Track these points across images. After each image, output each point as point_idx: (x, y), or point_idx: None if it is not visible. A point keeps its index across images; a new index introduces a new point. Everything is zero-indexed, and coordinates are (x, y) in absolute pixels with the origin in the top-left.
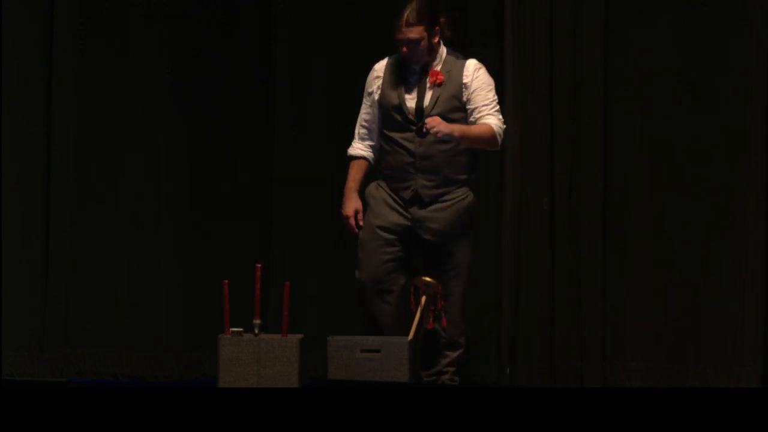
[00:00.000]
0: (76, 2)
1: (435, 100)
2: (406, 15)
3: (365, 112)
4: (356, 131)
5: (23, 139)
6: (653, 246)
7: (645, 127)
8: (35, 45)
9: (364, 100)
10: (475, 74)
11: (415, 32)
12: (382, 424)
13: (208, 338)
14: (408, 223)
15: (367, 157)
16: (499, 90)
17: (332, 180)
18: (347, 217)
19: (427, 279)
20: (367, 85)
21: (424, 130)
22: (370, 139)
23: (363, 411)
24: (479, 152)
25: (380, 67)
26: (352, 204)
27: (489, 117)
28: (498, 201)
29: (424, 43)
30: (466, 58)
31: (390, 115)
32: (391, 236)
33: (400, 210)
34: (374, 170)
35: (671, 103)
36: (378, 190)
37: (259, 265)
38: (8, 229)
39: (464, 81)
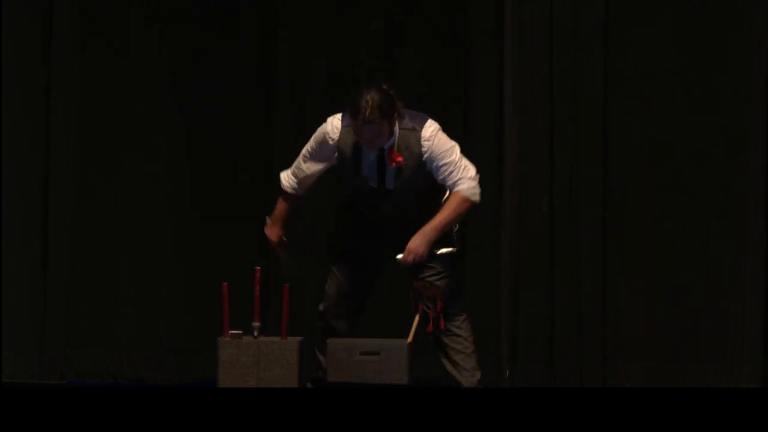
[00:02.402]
0: (75, 2)
1: (399, 180)
2: (366, 114)
3: (307, 166)
4: (293, 167)
5: (23, 140)
6: (653, 246)
7: (645, 128)
8: (35, 45)
9: (311, 152)
10: (431, 148)
11: (376, 128)
12: (382, 424)
13: (208, 340)
14: (379, 246)
15: (293, 194)
16: (499, 90)
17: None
18: (272, 242)
19: (427, 282)
20: (316, 141)
21: (401, 266)
22: (301, 185)
23: (363, 411)
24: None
25: (334, 132)
26: (273, 231)
27: (458, 184)
28: (497, 201)
29: (386, 134)
30: (416, 125)
31: (351, 179)
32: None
33: (372, 233)
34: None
35: (671, 103)
36: (346, 218)
37: (259, 267)
38: (8, 229)
39: (423, 158)
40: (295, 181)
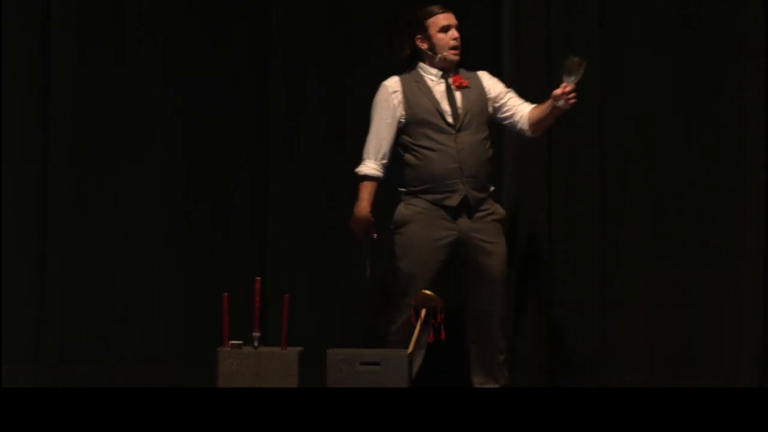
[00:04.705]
0: (72, 11)
1: (467, 101)
2: (440, 6)
3: (384, 131)
4: (369, 150)
5: (19, 149)
6: (650, 258)
7: (640, 142)
8: (32, 53)
9: (379, 119)
10: (492, 79)
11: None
12: (383, 425)
13: (208, 351)
14: (454, 234)
15: (380, 177)
16: None
17: (329, 193)
18: (363, 237)
19: (428, 292)
20: (381, 104)
21: (564, 99)
22: (386, 158)
23: (364, 413)
24: None
25: (393, 84)
26: (366, 224)
27: (526, 104)
28: None
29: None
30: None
31: (424, 125)
32: (441, 255)
33: (445, 224)
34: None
35: (667, 114)
36: (410, 209)
37: (259, 278)
38: (4, 242)
39: (485, 86)
40: (378, 161)
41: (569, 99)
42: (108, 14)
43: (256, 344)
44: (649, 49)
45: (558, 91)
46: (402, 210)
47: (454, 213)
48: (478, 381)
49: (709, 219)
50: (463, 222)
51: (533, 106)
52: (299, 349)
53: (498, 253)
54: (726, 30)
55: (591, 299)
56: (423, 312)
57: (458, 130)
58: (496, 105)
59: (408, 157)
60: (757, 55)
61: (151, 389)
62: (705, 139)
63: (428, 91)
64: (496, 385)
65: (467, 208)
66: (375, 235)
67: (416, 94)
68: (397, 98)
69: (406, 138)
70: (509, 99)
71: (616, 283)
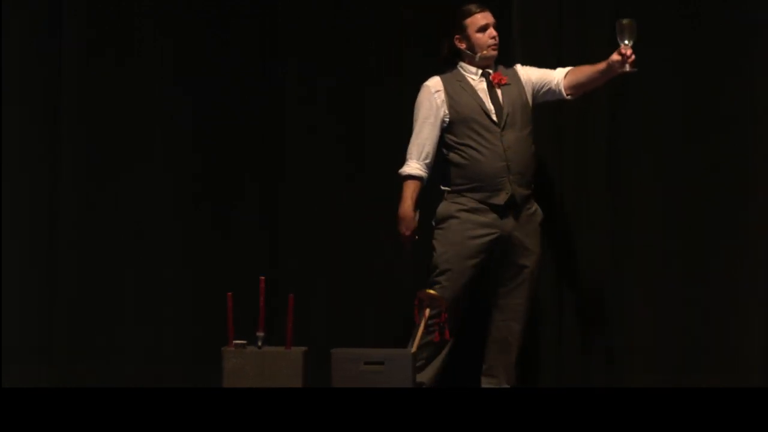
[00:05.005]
0: (83, 12)
1: (509, 98)
2: (477, 6)
3: (427, 131)
4: (413, 151)
5: (31, 150)
6: (659, 259)
7: (651, 140)
8: (40, 55)
9: (422, 119)
10: (524, 68)
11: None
12: (387, 425)
13: (213, 350)
14: (496, 233)
15: (425, 177)
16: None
17: (338, 194)
18: (407, 237)
19: (432, 292)
20: (424, 105)
21: (629, 64)
22: (429, 158)
23: (369, 413)
24: None
25: (435, 84)
26: (412, 224)
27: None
28: None
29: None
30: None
31: (470, 124)
32: (481, 257)
33: (490, 221)
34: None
35: (677, 117)
36: (455, 206)
37: (263, 277)
38: (15, 241)
39: (523, 78)
40: (422, 161)
41: (630, 61)
42: (116, 15)
43: (260, 344)
44: (659, 45)
45: (616, 57)
46: (446, 206)
47: (500, 211)
48: (490, 381)
49: (717, 218)
50: (509, 221)
51: (569, 69)
52: (304, 348)
53: (536, 254)
54: (736, 24)
55: (598, 299)
56: (427, 311)
57: (503, 128)
58: (535, 90)
59: (453, 156)
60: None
61: (156, 389)
62: (712, 139)
63: (471, 90)
64: (507, 386)
65: (514, 206)
66: (416, 237)
67: (459, 93)
68: (440, 98)
69: (451, 137)
70: (542, 75)
71: (623, 283)
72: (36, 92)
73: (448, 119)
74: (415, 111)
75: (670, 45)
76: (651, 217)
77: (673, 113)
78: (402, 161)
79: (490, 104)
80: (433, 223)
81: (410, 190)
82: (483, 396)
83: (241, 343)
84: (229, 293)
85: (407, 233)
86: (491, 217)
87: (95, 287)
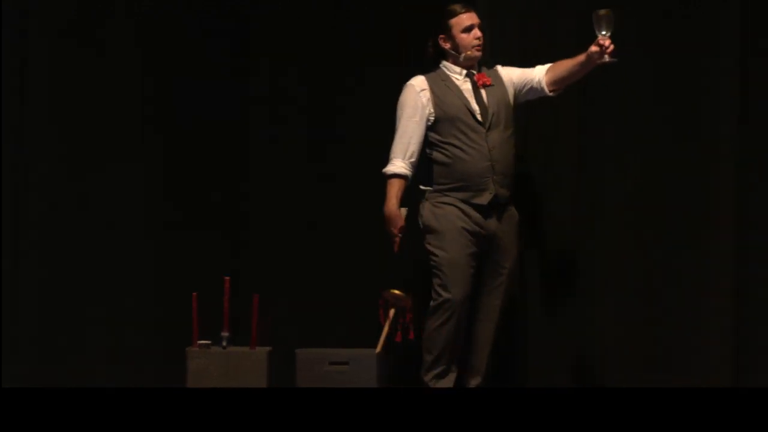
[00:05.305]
0: (52, 5)
1: (493, 99)
2: (462, 6)
3: (412, 129)
4: (397, 149)
5: None
6: (627, 259)
7: (619, 142)
8: (7, 51)
9: (407, 118)
10: (505, 69)
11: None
12: (352, 425)
13: (178, 350)
14: (482, 232)
15: (409, 176)
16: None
17: (305, 195)
18: (396, 236)
19: (397, 292)
20: (408, 103)
21: (608, 54)
22: (414, 157)
23: (333, 413)
24: None
25: (420, 82)
26: (399, 222)
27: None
28: None
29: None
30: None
31: (455, 123)
32: (474, 249)
33: (474, 220)
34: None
35: (645, 120)
36: (442, 208)
37: (228, 278)
38: None
39: (504, 79)
40: (407, 160)
41: (609, 52)
42: (83, 12)
43: (224, 344)
44: (630, 41)
45: (595, 48)
46: (430, 208)
47: (484, 211)
48: (468, 376)
49: (682, 218)
50: (492, 221)
51: (548, 65)
52: (268, 348)
53: (515, 255)
54: (704, 21)
55: (570, 300)
56: (392, 312)
57: (488, 129)
58: (517, 90)
59: (437, 154)
60: (732, 49)
61: (120, 389)
62: (682, 140)
63: (457, 90)
64: (480, 378)
65: (497, 206)
66: (401, 235)
67: (445, 93)
68: (426, 96)
69: (435, 136)
70: (523, 74)
71: (589, 283)
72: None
73: (433, 118)
74: (399, 110)
75: (643, 37)
76: (617, 219)
77: (639, 120)
78: (367, 161)
79: (476, 104)
80: (422, 228)
81: (395, 189)
82: (449, 395)
83: (206, 344)
84: (194, 293)
85: (395, 231)
86: (475, 216)
87: (59, 287)
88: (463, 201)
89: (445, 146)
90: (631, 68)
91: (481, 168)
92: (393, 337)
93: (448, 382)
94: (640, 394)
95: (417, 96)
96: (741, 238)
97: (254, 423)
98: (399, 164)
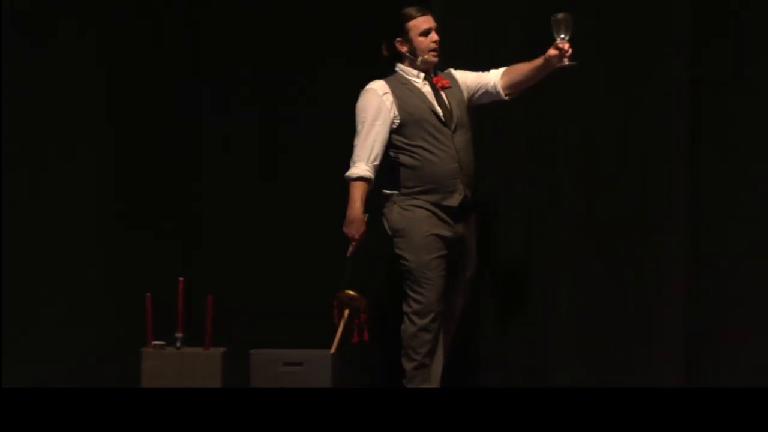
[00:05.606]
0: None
1: (454, 101)
2: (419, 9)
3: (375, 132)
4: (361, 153)
5: None
6: (580, 253)
7: (570, 135)
8: None
9: (371, 121)
10: (458, 72)
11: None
12: (305, 425)
13: (133, 351)
14: (452, 234)
15: (372, 179)
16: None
17: (258, 195)
18: (356, 240)
19: (351, 293)
20: (371, 106)
21: (567, 58)
22: (378, 160)
23: (287, 413)
24: None
25: (381, 86)
26: (362, 227)
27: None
28: None
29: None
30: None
31: (422, 125)
32: (445, 252)
33: (445, 223)
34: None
35: (596, 112)
36: (411, 211)
37: (182, 279)
38: None
39: (459, 82)
40: (371, 163)
41: (568, 55)
42: (40, 11)
43: (179, 345)
44: (581, 37)
45: (554, 52)
46: (399, 212)
47: (453, 214)
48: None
49: (635, 217)
50: (461, 225)
51: (504, 69)
52: (223, 349)
53: (475, 255)
54: (656, 15)
55: (518, 299)
56: (346, 312)
57: (454, 130)
58: (470, 93)
59: (403, 158)
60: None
61: (74, 389)
62: (635, 132)
63: (419, 92)
64: (434, 386)
65: (465, 208)
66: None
67: (408, 96)
68: (389, 100)
69: (401, 139)
70: (477, 78)
71: (543, 282)
72: None
73: (398, 121)
74: (360, 114)
75: (594, 31)
76: (571, 219)
77: (590, 113)
78: (322, 162)
79: (438, 107)
80: (390, 233)
81: (360, 192)
82: (402, 395)
83: (160, 344)
84: (148, 294)
85: (356, 236)
86: (445, 219)
87: (10, 288)
88: (433, 204)
89: (413, 149)
90: (582, 65)
91: (450, 170)
92: (348, 338)
93: (434, 383)
94: (591, 395)
95: (380, 99)
96: (694, 239)
97: (208, 423)
98: (363, 167)
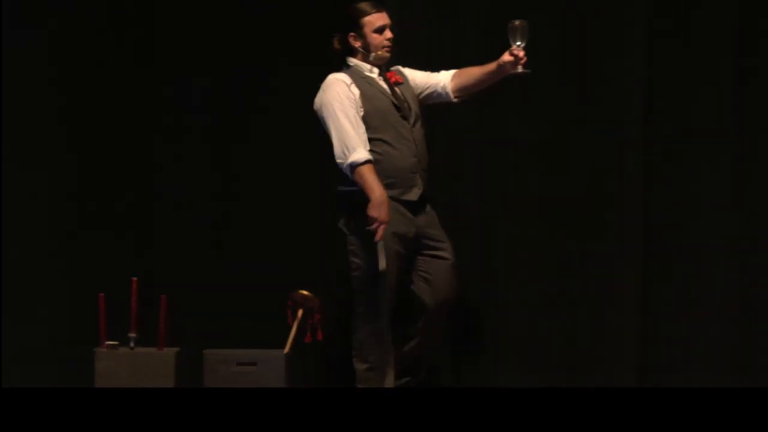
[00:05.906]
0: None
1: (409, 95)
2: (374, 5)
3: (355, 119)
4: (352, 140)
5: None
6: (535, 253)
7: (526, 136)
8: None
9: (347, 109)
10: (407, 70)
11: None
12: (258, 425)
13: (86, 351)
14: (414, 230)
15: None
16: None
17: (213, 193)
18: (385, 223)
19: (305, 293)
20: (342, 96)
21: (521, 65)
22: (368, 145)
23: (241, 413)
24: None
25: (344, 77)
26: (388, 206)
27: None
28: None
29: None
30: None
31: (385, 118)
32: (402, 251)
33: (405, 218)
34: None
35: (551, 113)
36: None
37: (135, 278)
38: None
39: (409, 78)
40: (366, 147)
41: (522, 62)
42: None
43: (132, 345)
44: (536, 33)
45: (508, 58)
46: (358, 209)
47: (412, 208)
48: (404, 373)
49: (591, 217)
50: (421, 218)
51: (454, 71)
52: (176, 349)
53: (448, 243)
54: (610, 11)
55: (476, 299)
56: (300, 312)
57: (413, 124)
58: (418, 91)
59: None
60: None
61: (27, 389)
62: (589, 132)
63: (378, 85)
64: (420, 377)
65: (423, 201)
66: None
67: (369, 89)
68: (355, 90)
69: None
70: (426, 78)
71: (499, 282)
72: None
73: (362, 112)
74: (330, 105)
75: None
76: (522, 218)
77: (546, 113)
78: (275, 160)
79: (396, 100)
80: (346, 231)
81: (374, 174)
82: (357, 395)
83: (114, 344)
84: (101, 294)
85: (386, 218)
86: (405, 213)
87: None
88: (393, 198)
89: (376, 143)
90: (535, 59)
91: (410, 163)
92: (301, 338)
93: (388, 383)
94: (544, 394)
95: (347, 89)
96: (647, 238)
97: (162, 423)
98: (363, 152)
